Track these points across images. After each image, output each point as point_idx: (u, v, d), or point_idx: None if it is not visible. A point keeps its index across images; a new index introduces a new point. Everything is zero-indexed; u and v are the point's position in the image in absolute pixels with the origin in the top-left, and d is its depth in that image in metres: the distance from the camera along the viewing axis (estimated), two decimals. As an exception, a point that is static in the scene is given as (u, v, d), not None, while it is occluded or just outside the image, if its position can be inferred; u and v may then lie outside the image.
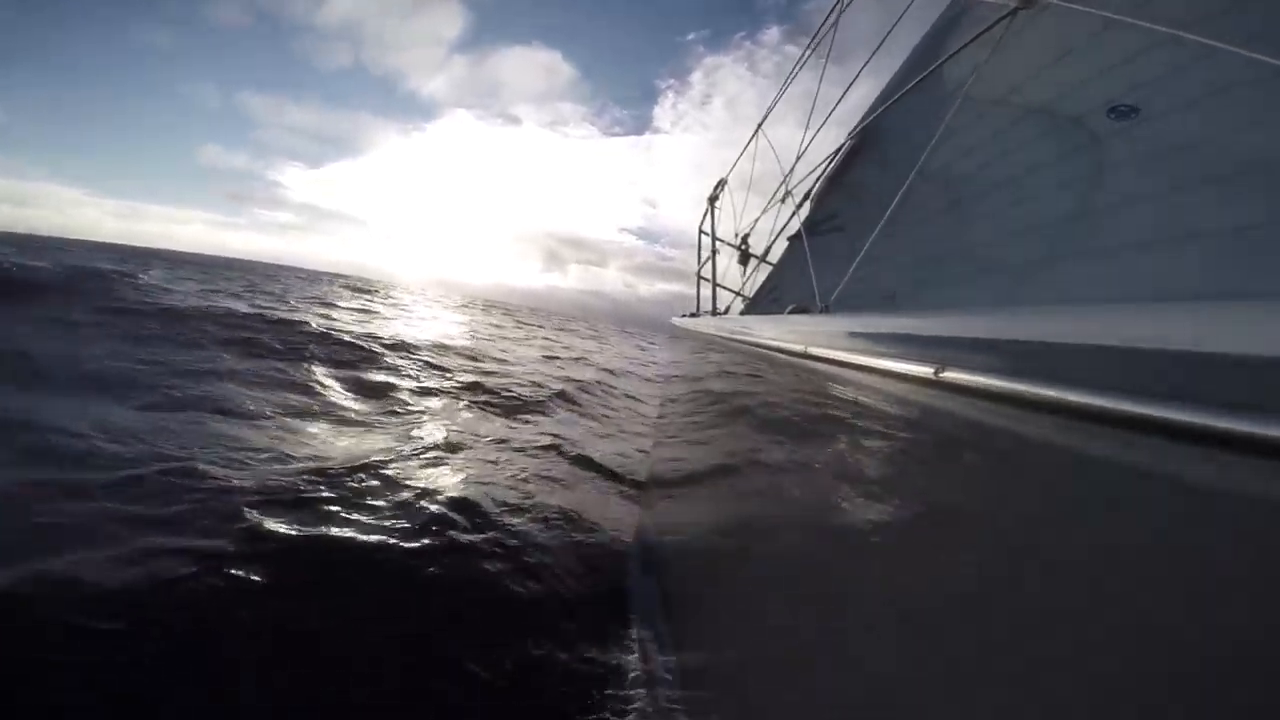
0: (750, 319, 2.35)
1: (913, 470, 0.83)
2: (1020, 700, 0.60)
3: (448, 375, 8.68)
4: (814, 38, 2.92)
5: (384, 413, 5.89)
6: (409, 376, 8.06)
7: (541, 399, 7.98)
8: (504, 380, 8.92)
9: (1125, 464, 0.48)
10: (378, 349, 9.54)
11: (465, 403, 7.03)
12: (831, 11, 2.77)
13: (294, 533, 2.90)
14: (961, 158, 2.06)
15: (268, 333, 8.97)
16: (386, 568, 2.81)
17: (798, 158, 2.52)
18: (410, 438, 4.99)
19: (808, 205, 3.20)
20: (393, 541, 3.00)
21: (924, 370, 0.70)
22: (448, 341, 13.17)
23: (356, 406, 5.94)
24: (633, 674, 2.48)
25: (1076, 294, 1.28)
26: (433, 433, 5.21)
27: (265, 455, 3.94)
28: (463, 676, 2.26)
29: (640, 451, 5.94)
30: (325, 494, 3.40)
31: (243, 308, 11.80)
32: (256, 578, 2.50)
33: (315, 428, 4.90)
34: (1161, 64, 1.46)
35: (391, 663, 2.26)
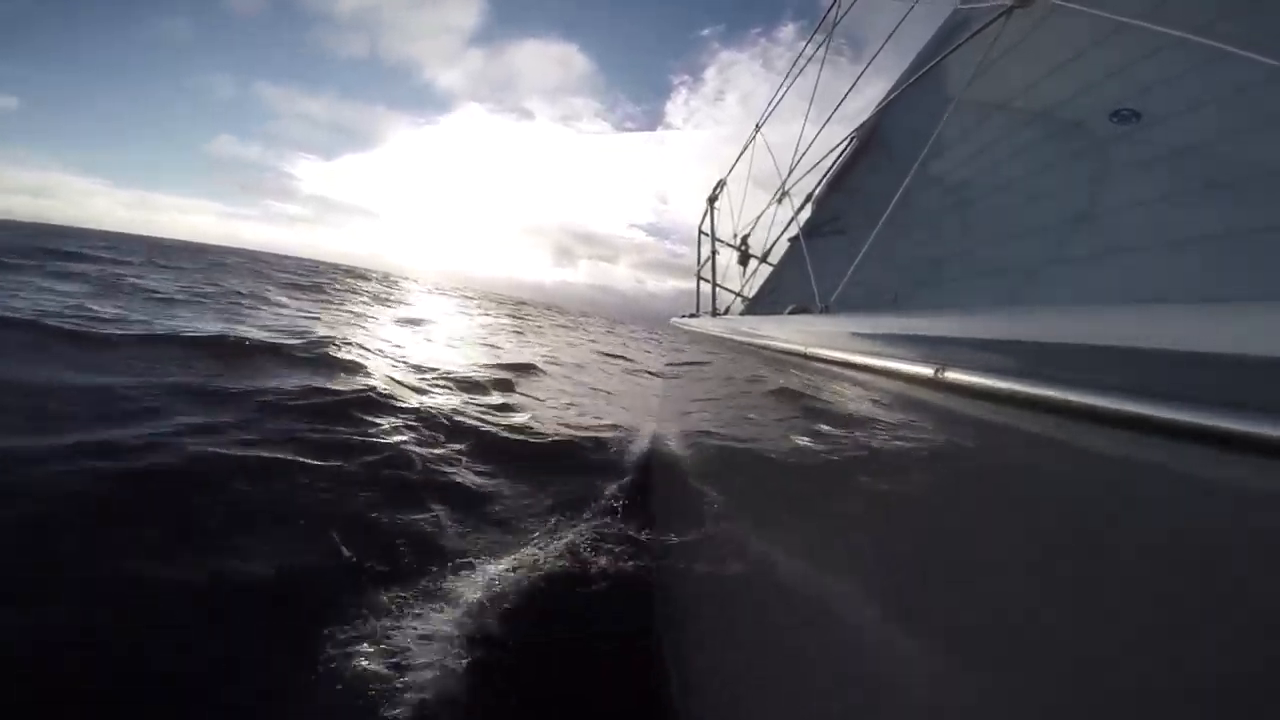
0: (750, 319, 2.35)
1: (913, 470, 0.83)
2: (1021, 700, 0.60)
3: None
4: (812, 37, 2.92)
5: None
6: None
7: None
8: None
9: (1125, 464, 0.48)
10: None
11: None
12: (830, 10, 2.78)
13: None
14: (964, 160, 2.06)
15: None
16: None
17: (797, 158, 2.52)
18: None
19: (809, 206, 3.20)
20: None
21: (924, 370, 0.70)
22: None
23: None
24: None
25: (1077, 296, 1.28)
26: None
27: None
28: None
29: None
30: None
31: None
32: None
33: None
34: (1164, 69, 1.46)
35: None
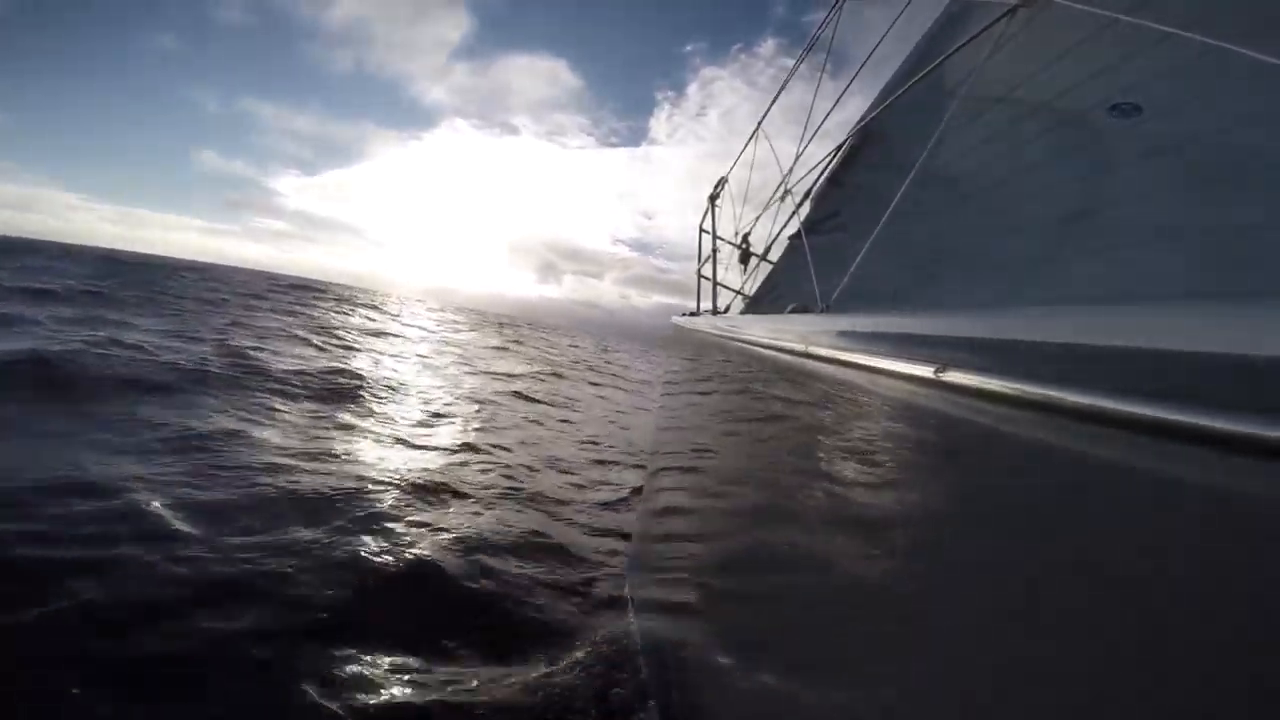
0: (750, 318, 2.35)
1: (913, 471, 0.83)
2: (1021, 700, 0.60)
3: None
4: (813, 37, 2.92)
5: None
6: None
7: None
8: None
9: (1125, 464, 0.48)
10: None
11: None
12: (832, 10, 2.77)
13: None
14: (963, 156, 2.06)
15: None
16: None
17: (797, 156, 2.52)
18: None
19: (808, 204, 3.20)
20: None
21: (924, 370, 0.70)
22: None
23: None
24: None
25: (1077, 293, 1.28)
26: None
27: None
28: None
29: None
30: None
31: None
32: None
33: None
34: (1164, 63, 1.46)
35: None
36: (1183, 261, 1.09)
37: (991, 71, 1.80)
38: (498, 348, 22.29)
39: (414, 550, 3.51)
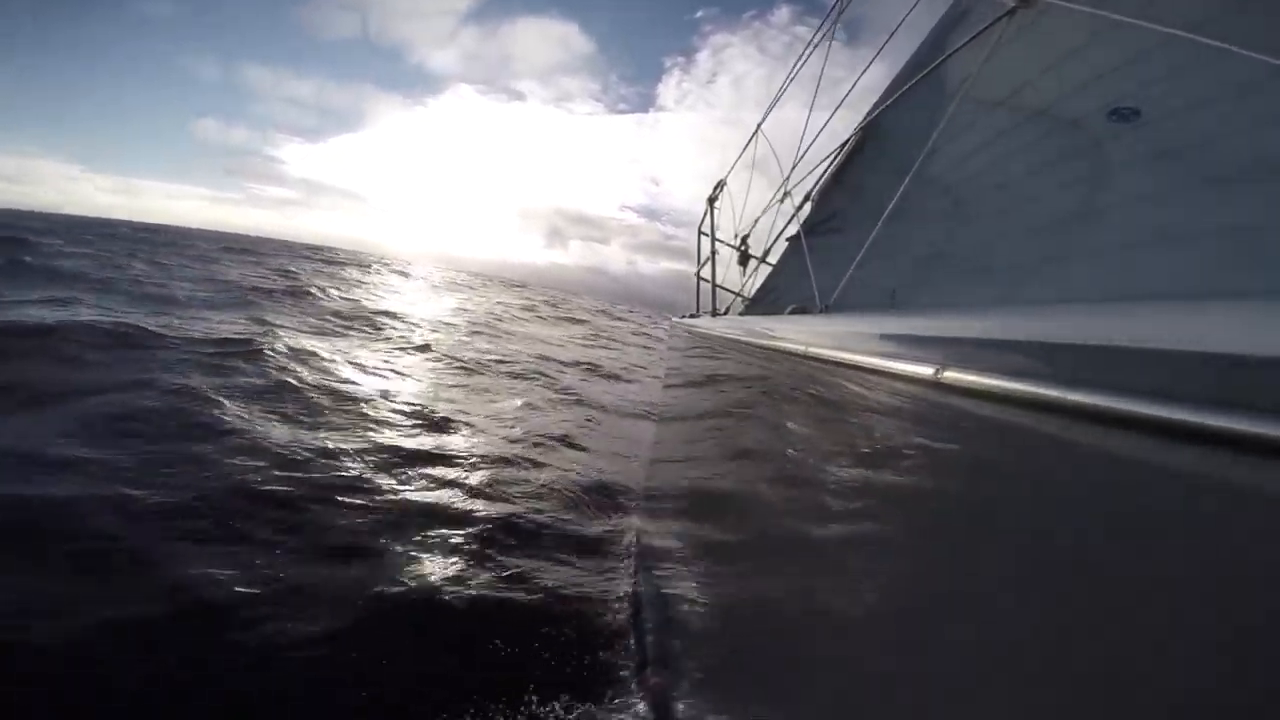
0: (750, 319, 2.35)
1: (913, 470, 0.83)
2: (1021, 700, 0.60)
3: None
4: (814, 36, 2.92)
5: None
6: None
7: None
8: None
9: (1125, 464, 0.48)
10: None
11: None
12: (832, 10, 2.77)
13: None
14: (962, 158, 2.06)
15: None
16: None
17: (798, 158, 2.52)
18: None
19: (808, 206, 3.20)
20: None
21: (924, 370, 0.70)
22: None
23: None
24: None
25: (1077, 293, 1.28)
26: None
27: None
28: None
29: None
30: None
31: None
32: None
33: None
34: (1163, 66, 1.46)
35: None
36: (1183, 262, 1.09)
37: (992, 75, 1.80)
38: (564, 320, 23.54)
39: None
